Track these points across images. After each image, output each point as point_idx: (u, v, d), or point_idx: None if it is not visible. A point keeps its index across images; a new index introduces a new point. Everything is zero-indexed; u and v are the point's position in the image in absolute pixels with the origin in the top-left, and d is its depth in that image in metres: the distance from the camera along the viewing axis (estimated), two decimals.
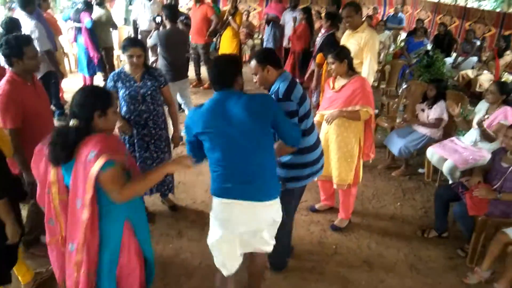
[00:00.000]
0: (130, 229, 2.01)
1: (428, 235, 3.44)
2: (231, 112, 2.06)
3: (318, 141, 2.70)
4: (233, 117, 2.05)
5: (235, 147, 2.06)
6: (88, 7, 6.10)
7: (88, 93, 1.93)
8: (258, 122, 2.09)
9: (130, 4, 8.23)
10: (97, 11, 6.40)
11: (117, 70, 3.23)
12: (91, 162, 1.77)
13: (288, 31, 7.07)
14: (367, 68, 4.13)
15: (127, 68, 3.14)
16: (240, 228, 2.15)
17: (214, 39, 7.25)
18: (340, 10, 4.87)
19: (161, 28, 4.89)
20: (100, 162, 1.76)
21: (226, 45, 6.79)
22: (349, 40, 4.25)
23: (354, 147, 3.23)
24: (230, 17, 6.60)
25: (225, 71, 2.14)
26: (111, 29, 6.73)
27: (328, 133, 3.27)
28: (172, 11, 4.73)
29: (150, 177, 1.91)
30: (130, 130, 3.19)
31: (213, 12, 6.59)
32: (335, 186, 3.39)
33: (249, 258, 2.44)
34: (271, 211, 2.20)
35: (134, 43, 3.09)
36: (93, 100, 1.89)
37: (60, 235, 2.00)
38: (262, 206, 2.14)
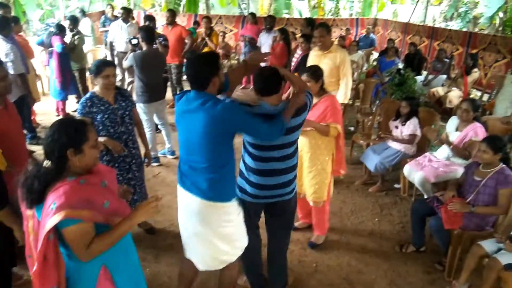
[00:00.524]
0: (107, 274, 1.78)
1: (406, 250, 3.48)
2: (190, 117, 2.17)
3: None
4: (190, 123, 2.18)
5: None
6: (61, 31, 6.06)
7: (56, 129, 1.66)
8: (207, 138, 2.15)
9: (104, 26, 8.22)
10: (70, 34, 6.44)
11: (87, 95, 3.09)
12: (51, 214, 1.57)
13: (265, 51, 7.21)
14: (345, 86, 4.37)
15: (98, 91, 3.07)
16: None
17: None
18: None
19: (137, 49, 4.89)
20: (57, 218, 1.55)
21: None
22: (322, 60, 4.37)
23: (327, 163, 3.26)
24: (206, 38, 6.69)
25: (200, 72, 2.16)
26: (85, 50, 6.75)
27: (302, 151, 3.27)
28: (148, 33, 4.74)
29: (118, 231, 1.71)
30: (123, 149, 3.14)
31: (187, 33, 6.69)
32: (311, 204, 3.38)
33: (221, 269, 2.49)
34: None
35: (109, 63, 3.11)
36: (63, 137, 1.64)
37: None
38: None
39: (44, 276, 1.65)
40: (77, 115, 3.09)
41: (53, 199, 1.59)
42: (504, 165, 3.03)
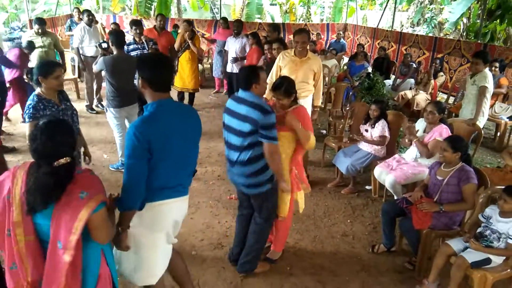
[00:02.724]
0: (103, 256, 1.95)
1: (378, 251, 3.53)
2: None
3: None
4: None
5: None
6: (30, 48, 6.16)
7: (61, 124, 1.81)
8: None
9: (70, 29, 8.05)
10: (39, 39, 6.44)
11: (34, 99, 3.03)
12: (83, 203, 1.67)
13: (232, 56, 7.23)
14: (319, 90, 4.64)
15: (43, 93, 3.05)
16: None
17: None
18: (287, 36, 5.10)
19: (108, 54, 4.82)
20: (94, 204, 1.68)
21: (186, 68, 6.91)
22: (299, 66, 4.36)
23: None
24: (189, 41, 6.69)
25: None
26: (56, 53, 6.73)
27: None
28: (118, 37, 4.66)
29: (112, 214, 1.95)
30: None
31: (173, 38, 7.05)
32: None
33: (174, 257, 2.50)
34: None
35: (58, 64, 3.25)
36: (70, 129, 1.82)
37: (25, 280, 1.77)
38: None
39: (77, 263, 1.74)
40: (27, 119, 3.00)
41: (79, 190, 1.68)
42: (463, 164, 3.13)
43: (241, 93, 2.77)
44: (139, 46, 5.76)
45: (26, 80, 5.78)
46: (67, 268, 1.70)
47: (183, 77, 6.95)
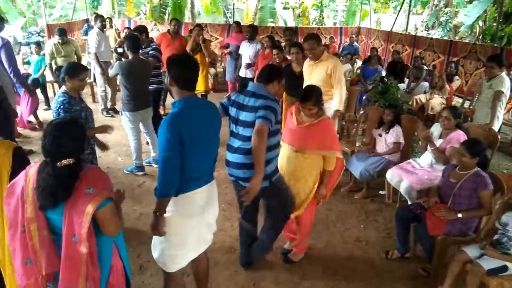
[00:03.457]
0: (116, 248, 2.06)
1: (392, 257, 3.50)
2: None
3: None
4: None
5: None
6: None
7: (72, 126, 1.87)
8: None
9: (86, 34, 8.22)
10: (61, 49, 6.75)
11: (63, 96, 3.26)
12: (89, 198, 1.76)
13: (246, 61, 7.24)
14: (339, 93, 4.43)
15: (70, 92, 3.29)
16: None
17: None
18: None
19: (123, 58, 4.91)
20: (100, 199, 1.77)
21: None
22: (314, 69, 4.41)
23: (310, 184, 3.16)
24: (202, 45, 6.83)
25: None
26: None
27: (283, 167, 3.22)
28: (134, 41, 4.73)
29: (118, 207, 2.03)
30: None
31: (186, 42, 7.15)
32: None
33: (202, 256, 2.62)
34: None
35: (86, 68, 3.47)
36: (81, 131, 1.89)
37: (40, 274, 1.88)
38: None
39: (94, 254, 1.86)
40: (61, 113, 3.19)
41: (86, 186, 1.77)
42: (479, 169, 3.08)
43: (252, 87, 2.84)
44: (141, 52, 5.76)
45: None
46: (86, 259, 1.82)
47: None
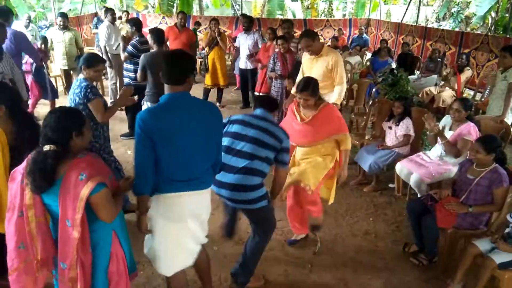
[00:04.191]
0: (116, 236, 2.09)
1: (409, 250, 3.45)
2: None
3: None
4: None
5: None
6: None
7: (63, 115, 1.91)
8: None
9: (96, 28, 8.24)
10: (60, 34, 6.63)
11: (85, 81, 3.37)
12: (82, 184, 1.81)
13: (245, 52, 7.19)
14: (339, 88, 4.36)
15: (89, 79, 3.41)
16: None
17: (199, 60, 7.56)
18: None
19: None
20: (91, 185, 1.82)
21: (216, 65, 7.06)
22: (314, 64, 4.38)
23: (328, 162, 3.25)
24: (218, 38, 6.86)
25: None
26: (78, 51, 6.83)
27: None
28: (159, 35, 4.94)
29: (120, 197, 2.08)
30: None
31: (194, 36, 7.24)
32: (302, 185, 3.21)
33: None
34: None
35: (103, 60, 3.59)
36: (70, 122, 1.91)
37: (35, 259, 1.95)
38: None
39: (85, 239, 1.91)
40: (92, 97, 3.31)
41: (78, 172, 1.83)
42: (497, 165, 3.03)
43: (260, 112, 2.78)
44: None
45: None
46: (76, 243, 1.88)
47: (214, 73, 7.07)
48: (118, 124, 6.43)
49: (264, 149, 2.62)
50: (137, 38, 5.63)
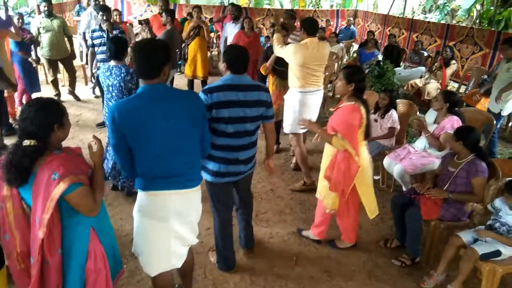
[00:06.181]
0: (95, 233, 2.01)
1: (391, 245, 3.47)
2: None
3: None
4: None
5: None
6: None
7: (43, 107, 1.83)
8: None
9: (78, 15, 7.99)
10: (48, 22, 6.32)
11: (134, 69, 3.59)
12: (54, 184, 1.74)
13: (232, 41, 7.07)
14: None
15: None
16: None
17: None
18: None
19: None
20: (62, 186, 1.74)
21: (196, 55, 6.76)
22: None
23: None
24: (204, 26, 6.65)
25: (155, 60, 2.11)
26: (65, 38, 6.58)
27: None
28: (173, 13, 6.03)
29: (98, 180, 1.98)
30: None
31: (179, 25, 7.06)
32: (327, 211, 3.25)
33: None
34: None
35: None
36: (51, 114, 1.84)
37: (15, 251, 1.91)
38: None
39: (52, 240, 1.85)
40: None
41: (51, 171, 1.75)
42: (474, 156, 3.06)
43: (240, 79, 2.64)
44: (103, 34, 5.53)
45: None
46: (40, 244, 1.82)
47: (193, 64, 6.85)
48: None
49: (259, 119, 2.78)
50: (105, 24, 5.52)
